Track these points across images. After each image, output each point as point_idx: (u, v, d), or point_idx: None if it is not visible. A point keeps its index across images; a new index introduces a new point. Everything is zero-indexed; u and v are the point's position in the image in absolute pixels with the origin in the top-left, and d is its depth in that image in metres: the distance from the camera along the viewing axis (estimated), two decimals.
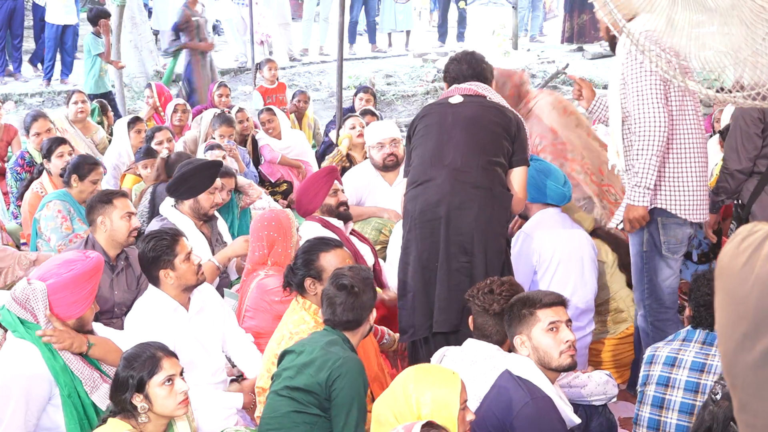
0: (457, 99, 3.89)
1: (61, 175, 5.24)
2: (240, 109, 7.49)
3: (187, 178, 4.72)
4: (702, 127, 3.86)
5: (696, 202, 3.79)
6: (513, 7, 13.88)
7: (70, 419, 3.11)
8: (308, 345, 3.15)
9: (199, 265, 3.69)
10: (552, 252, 4.15)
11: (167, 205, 4.80)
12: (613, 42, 3.99)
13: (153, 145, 6.42)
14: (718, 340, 1.42)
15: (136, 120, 6.86)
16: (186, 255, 3.61)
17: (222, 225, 5.06)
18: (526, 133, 3.83)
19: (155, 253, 3.58)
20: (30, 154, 6.34)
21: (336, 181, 4.77)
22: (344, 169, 6.27)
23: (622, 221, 3.87)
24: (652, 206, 3.79)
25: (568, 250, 4.17)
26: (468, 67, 3.98)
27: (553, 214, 4.27)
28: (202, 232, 4.75)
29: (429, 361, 3.37)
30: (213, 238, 4.85)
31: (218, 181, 4.86)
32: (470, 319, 3.33)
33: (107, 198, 4.21)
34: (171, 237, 3.65)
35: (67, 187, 5.09)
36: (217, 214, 5.04)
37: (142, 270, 3.74)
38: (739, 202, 4.13)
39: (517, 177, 3.81)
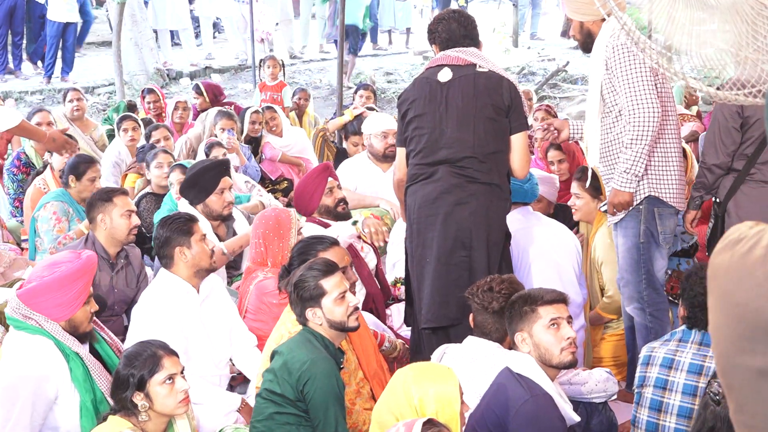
0: (446, 75, 3.77)
1: (61, 177, 5.23)
2: (256, 111, 7.45)
3: (194, 183, 4.68)
4: (677, 116, 3.94)
5: (682, 190, 3.91)
6: (513, 4, 13.87)
7: (86, 422, 3.11)
8: (286, 346, 3.16)
9: (212, 251, 3.75)
10: (523, 252, 4.12)
11: (185, 203, 4.76)
12: (585, 42, 3.99)
13: (151, 141, 6.42)
14: (713, 341, 1.40)
15: (124, 118, 6.82)
16: (201, 236, 3.71)
17: (241, 223, 5.00)
18: (520, 97, 3.77)
19: (172, 232, 3.66)
20: (26, 155, 6.33)
21: (331, 178, 4.69)
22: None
23: (606, 204, 3.97)
24: (647, 195, 3.83)
25: (541, 249, 4.14)
26: (458, 26, 3.84)
27: (522, 213, 4.25)
28: (217, 234, 4.71)
29: (430, 355, 3.38)
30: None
31: (227, 180, 4.78)
32: (471, 317, 3.33)
33: (107, 196, 4.20)
34: (188, 218, 3.78)
35: (66, 187, 5.09)
36: (236, 214, 4.96)
37: (156, 251, 3.76)
38: (716, 199, 4.07)
39: (517, 144, 3.77)
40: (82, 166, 5.09)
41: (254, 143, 7.32)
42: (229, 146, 6.34)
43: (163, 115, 7.87)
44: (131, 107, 8.05)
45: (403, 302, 4.81)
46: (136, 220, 4.23)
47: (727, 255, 1.33)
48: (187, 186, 4.71)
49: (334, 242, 3.74)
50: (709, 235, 4.10)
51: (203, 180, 4.67)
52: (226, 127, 6.64)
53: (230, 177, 4.87)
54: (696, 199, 4.09)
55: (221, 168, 4.79)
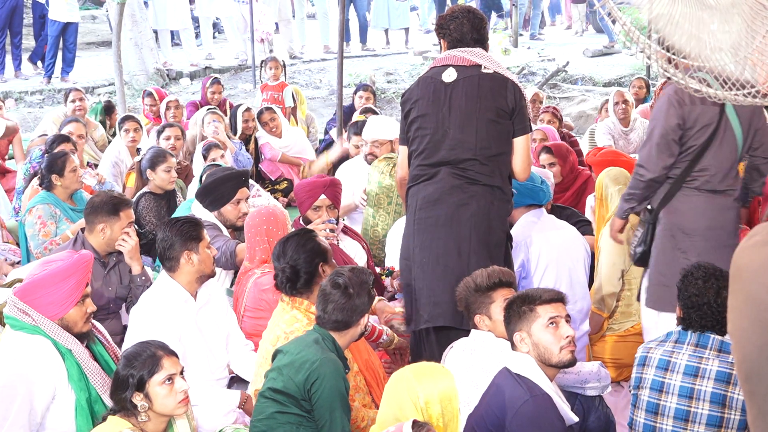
0: (450, 75, 3.73)
1: (41, 185, 5.20)
2: (247, 109, 7.48)
3: (211, 190, 4.68)
4: None
5: None
6: (513, 5, 13.86)
7: (82, 421, 3.12)
8: (293, 345, 3.16)
9: (214, 257, 3.76)
10: (538, 256, 4.11)
11: (198, 205, 4.74)
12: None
13: (162, 139, 6.44)
14: (735, 344, 1.33)
15: (125, 119, 6.83)
16: (207, 243, 3.71)
17: None
18: (525, 99, 3.75)
19: (180, 235, 3.63)
20: None
21: (324, 196, 4.60)
22: None
23: None
24: None
25: (556, 253, 4.13)
26: (471, 28, 3.78)
27: (536, 215, 4.22)
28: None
29: (431, 357, 3.38)
30: None
31: (245, 191, 4.74)
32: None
33: (115, 210, 4.13)
34: (197, 222, 3.76)
35: (50, 189, 5.07)
36: None
37: (160, 252, 3.69)
38: (649, 206, 3.89)
39: (519, 147, 3.74)
40: (58, 162, 5.08)
41: (249, 141, 7.35)
42: (214, 135, 6.43)
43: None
44: (109, 108, 8.06)
45: (396, 299, 4.83)
46: (133, 233, 4.21)
47: (756, 256, 1.27)
48: (204, 192, 4.71)
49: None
50: (636, 243, 3.92)
51: (221, 189, 4.66)
52: (211, 119, 6.71)
53: (248, 188, 4.85)
54: (626, 210, 3.93)
55: (240, 179, 4.76)
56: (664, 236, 3.81)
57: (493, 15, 13.66)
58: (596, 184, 4.66)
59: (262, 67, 9.50)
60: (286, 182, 7.34)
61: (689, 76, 3.00)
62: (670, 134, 3.73)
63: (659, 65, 3.04)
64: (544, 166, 5.74)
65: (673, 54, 2.97)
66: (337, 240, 4.69)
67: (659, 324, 3.79)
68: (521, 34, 14.24)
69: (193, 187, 5.62)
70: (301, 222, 4.65)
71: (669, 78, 3.00)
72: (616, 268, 4.39)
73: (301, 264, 3.55)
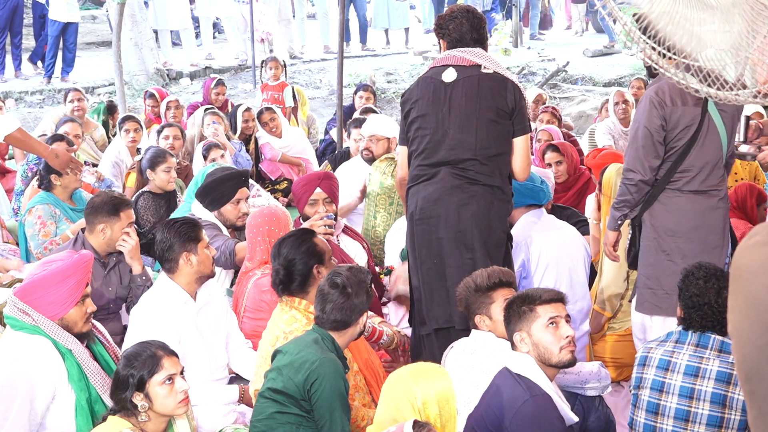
0: (450, 75, 3.73)
1: (40, 186, 5.20)
2: (247, 109, 7.49)
3: (211, 190, 4.68)
4: None
5: None
6: (513, 5, 13.86)
7: (82, 421, 3.12)
8: (292, 345, 3.16)
9: (213, 258, 3.75)
10: (538, 256, 4.11)
11: (198, 205, 4.74)
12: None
13: (161, 138, 6.44)
14: (735, 344, 1.33)
15: (125, 119, 6.84)
16: (206, 243, 3.71)
17: None
18: (524, 99, 3.74)
19: (179, 237, 3.62)
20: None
21: (320, 189, 4.60)
22: None
23: None
24: None
25: (556, 253, 4.13)
26: (470, 28, 3.77)
27: (536, 215, 4.23)
28: None
29: (431, 357, 3.38)
30: None
31: (245, 191, 4.73)
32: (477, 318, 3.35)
33: (115, 210, 4.13)
34: (195, 224, 3.76)
35: (50, 189, 5.07)
36: None
37: (159, 254, 3.68)
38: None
39: (519, 147, 3.73)
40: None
41: (249, 141, 7.36)
42: (214, 137, 6.45)
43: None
44: (111, 108, 8.06)
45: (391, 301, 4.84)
46: (133, 233, 4.22)
47: (756, 256, 1.26)
48: (203, 192, 4.71)
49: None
50: (628, 246, 3.91)
51: (221, 189, 4.66)
52: (210, 120, 6.72)
53: (248, 188, 4.83)
54: (619, 219, 3.87)
55: (240, 179, 4.75)
56: (648, 239, 3.80)
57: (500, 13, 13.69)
58: (603, 181, 4.62)
59: (262, 67, 9.50)
60: (286, 182, 7.34)
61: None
62: (654, 135, 3.70)
63: (659, 66, 3.03)
64: (550, 165, 5.74)
65: (674, 54, 2.97)
66: (337, 239, 4.69)
67: (652, 327, 3.78)
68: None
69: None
70: (301, 221, 4.65)
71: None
72: (622, 269, 4.38)
73: (295, 265, 3.55)
